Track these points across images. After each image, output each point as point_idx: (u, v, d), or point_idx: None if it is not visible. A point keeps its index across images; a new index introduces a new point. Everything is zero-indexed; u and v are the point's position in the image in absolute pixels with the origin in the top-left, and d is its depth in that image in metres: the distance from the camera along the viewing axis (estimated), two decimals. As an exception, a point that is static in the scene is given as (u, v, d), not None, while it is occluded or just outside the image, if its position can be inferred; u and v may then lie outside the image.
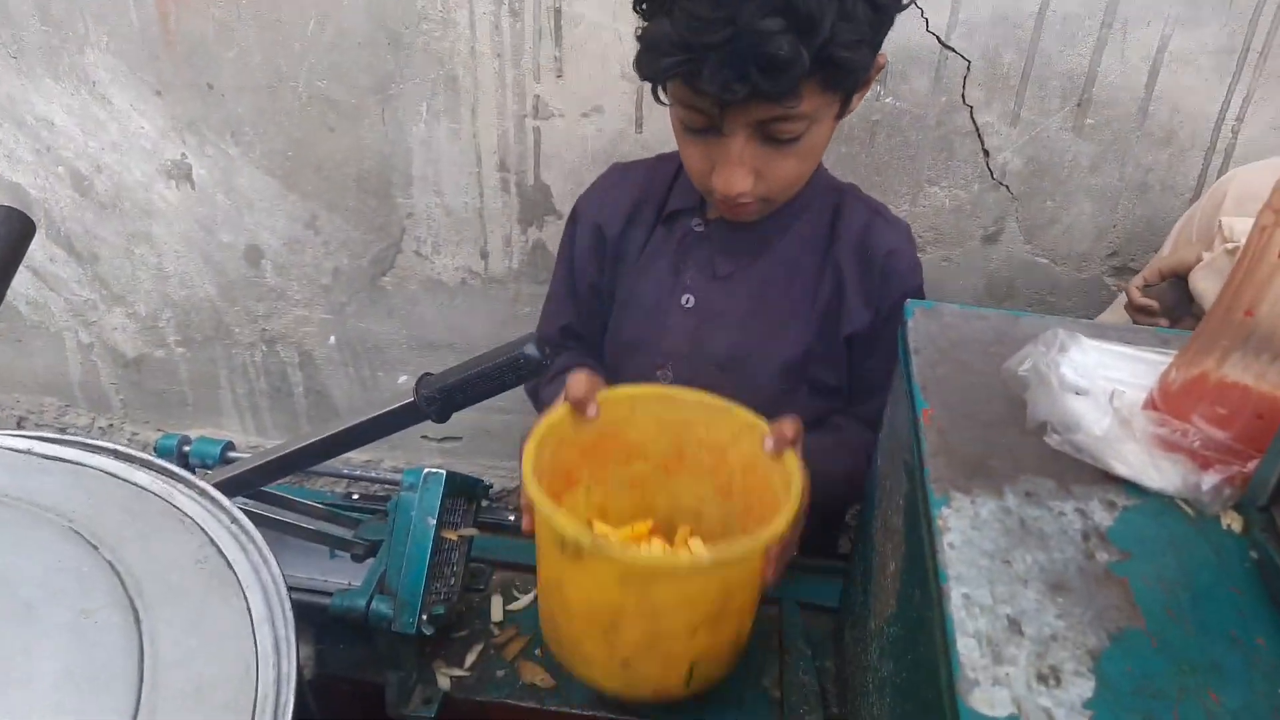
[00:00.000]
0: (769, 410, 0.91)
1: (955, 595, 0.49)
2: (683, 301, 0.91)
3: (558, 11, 1.10)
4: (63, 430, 1.52)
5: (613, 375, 0.95)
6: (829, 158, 1.13)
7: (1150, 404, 0.59)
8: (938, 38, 1.06)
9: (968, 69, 1.08)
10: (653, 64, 0.71)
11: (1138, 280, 0.92)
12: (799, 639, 0.91)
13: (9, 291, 0.73)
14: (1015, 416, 0.62)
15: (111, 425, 1.52)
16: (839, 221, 0.90)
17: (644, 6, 0.72)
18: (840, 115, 0.78)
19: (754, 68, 0.66)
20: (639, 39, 0.72)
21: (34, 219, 1.21)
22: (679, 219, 0.91)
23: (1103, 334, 0.70)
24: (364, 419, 0.73)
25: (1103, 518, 0.54)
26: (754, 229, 0.88)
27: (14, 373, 1.49)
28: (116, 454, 0.67)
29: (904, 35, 1.07)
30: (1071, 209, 1.16)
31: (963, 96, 1.10)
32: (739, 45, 0.66)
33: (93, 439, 0.67)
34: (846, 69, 0.71)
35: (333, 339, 1.38)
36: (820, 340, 0.91)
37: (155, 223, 1.30)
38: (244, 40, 1.15)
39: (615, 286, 0.96)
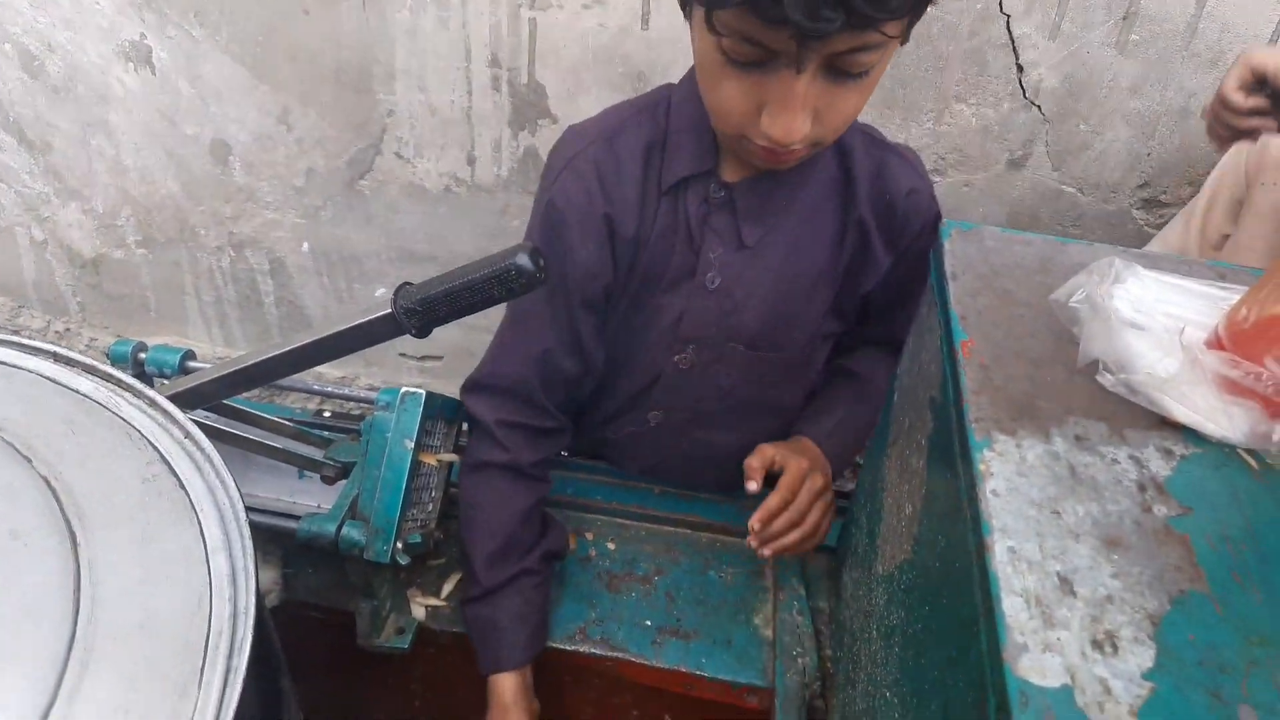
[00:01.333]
0: (789, 374, 0.86)
1: (1000, 549, 0.43)
2: (707, 281, 0.79)
3: (558, -119, 0.99)
4: (16, 332, 1.43)
5: (610, 359, 0.85)
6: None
7: (1215, 343, 0.54)
8: (977, -64, 0.97)
9: (1006, -28, 0.99)
10: None
11: (1232, 81, 0.83)
12: (793, 578, 0.87)
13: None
14: (1065, 354, 0.56)
15: (68, 330, 1.43)
16: (850, 161, 0.78)
17: None
18: (905, 41, 0.65)
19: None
20: None
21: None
22: (689, 186, 0.77)
23: (1158, 265, 0.64)
24: (337, 329, 0.66)
25: (1160, 467, 0.49)
26: (778, 183, 0.76)
27: (-36, 268, 1.40)
28: (56, 356, 0.60)
29: (940, -69, 0.98)
30: (1106, 134, 1.09)
31: (1000, 4, 1.01)
32: None
33: (29, 340, 0.60)
34: None
35: (306, 246, 1.30)
36: (841, 295, 0.83)
37: (112, 110, 1.20)
38: (210, -94, 1.04)
39: (629, 272, 0.81)
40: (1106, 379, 0.53)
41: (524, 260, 0.63)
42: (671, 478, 0.93)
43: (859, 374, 0.89)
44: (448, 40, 1.11)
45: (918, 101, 1.08)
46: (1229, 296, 0.57)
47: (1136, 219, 1.14)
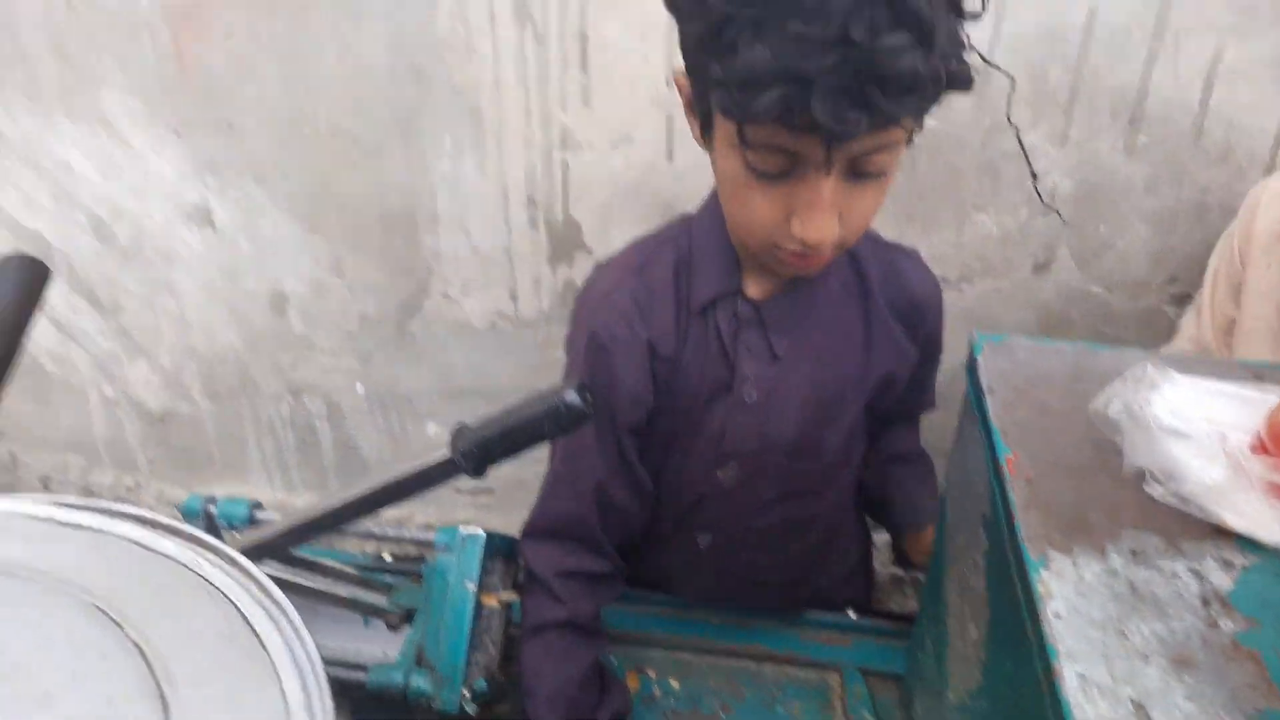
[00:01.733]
0: (828, 481, 0.89)
1: (1069, 675, 0.43)
2: (745, 396, 0.81)
3: (584, 36, 1.07)
4: (88, 490, 1.49)
5: (657, 490, 0.87)
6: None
7: (1259, 447, 0.54)
8: (980, 55, 1.02)
9: (1012, 87, 1.04)
10: (749, 101, 0.58)
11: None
12: (863, 709, 0.85)
13: (31, 345, 0.70)
14: (1108, 463, 0.57)
15: (137, 484, 1.48)
16: (861, 265, 0.82)
17: (728, 36, 0.59)
18: (910, 142, 0.69)
19: (877, 90, 0.56)
20: (712, 68, 0.61)
21: (54, 269, 1.18)
22: (717, 306, 0.80)
23: (1192, 369, 0.65)
24: (398, 476, 0.69)
25: (1221, 579, 0.49)
26: (798, 296, 0.80)
27: (38, 430, 1.46)
28: (140, 520, 0.63)
29: (945, 56, 1.03)
30: (1126, 234, 1.11)
31: (1008, 116, 1.06)
32: (857, 67, 0.55)
33: (115, 504, 0.63)
34: (958, 84, 0.62)
35: (360, 388, 1.35)
36: (875, 393, 0.87)
37: (177, 270, 1.28)
38: (262, 75, 1.13)
39: (671, 392, 0.83)
40: (1155, 489, 0.53)
41: (573, 397, 0.66)
42: (728, 604, 0.93)
43: (911, 453, 0.94)
44: (486, 185, 1.18)
45: (936, 214, 1.12)
46: (1267, 397, 0.57)
47: (1168, 314, 1.15)
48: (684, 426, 0.83)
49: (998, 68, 1.03)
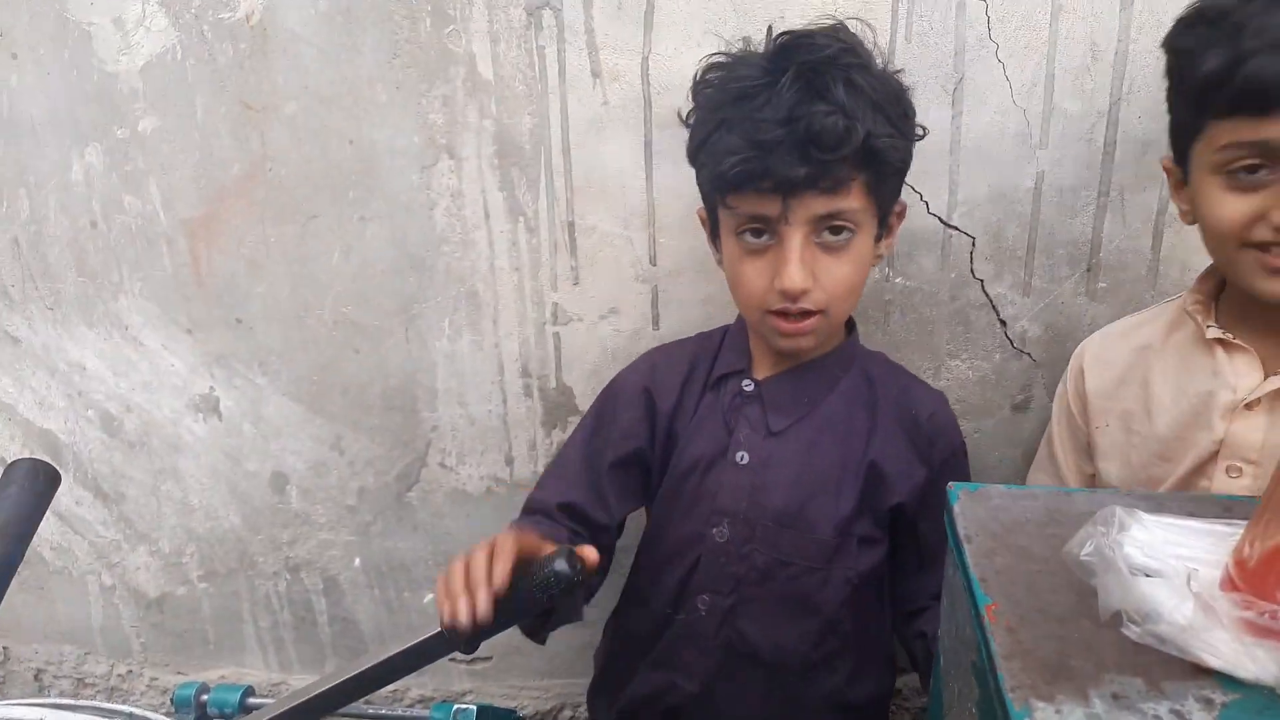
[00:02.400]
0: (822, 562, 0.94)
1: (1060, 827, 0.43)
2: (737, 459, 0.95)
3: (571, 225, 1.15)
4: (81, 681, 1.46)
5: (659, 538, 1.01)
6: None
7: (1228, 583, 0.55)
8: (939, 219, 1.10)
9: (973, 245, 1.11)
10: (718, 169, 0.82)
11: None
12: None
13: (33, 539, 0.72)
14: (1086, 606, 0.58)
15: (130, 672, 1.46)
16: (875, 384, 0.98)
17: (710, 138, 0.84)
18: (878, 240, 0.90)
19: (813, 148, 0.78)
20: (702, 163, 0.87)
21: (62, 464, 1.23)
22: (727, 381, 0.98)
23: (1161, 506, 0.67)
24: (390, 654, 0.69)
25: (1202, 719, 0.49)
26: (801, 386, 0.95)
27: (35, 622, 1.45)
28: (131, 717, 0.63)
29: (907, 219, 1.10)
30: (1098, 371, 1.15)
31: (972, 271, 1.12)
32: (799, 133, 0.78)
33: (109, 703, 0.63)
34: (888, 162, 0.84)
35: (358, 561, 1.35)
36: (866, 498, 0.95)
37: (182, 457, 1.31)
38: (272, 275, 1.20)
39: (663, 465, 0.99)
40: (1133, 630, 0.54)
41: (562, 566, 0.68)
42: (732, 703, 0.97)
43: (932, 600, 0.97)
44: (483, 359, 1.23)
45: (914, 361, 1.16)
46: (1235, 531, 0.59)
47: (1151, 445, 1.17)
48: (687, 488, 0.97)
49: (956, 228, 1.10)
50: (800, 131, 0.78)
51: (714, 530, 0.95)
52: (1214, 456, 0.86)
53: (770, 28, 0.91)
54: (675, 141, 1.08)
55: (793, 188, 0.80)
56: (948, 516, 0.70)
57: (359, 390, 1.25)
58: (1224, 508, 0.67)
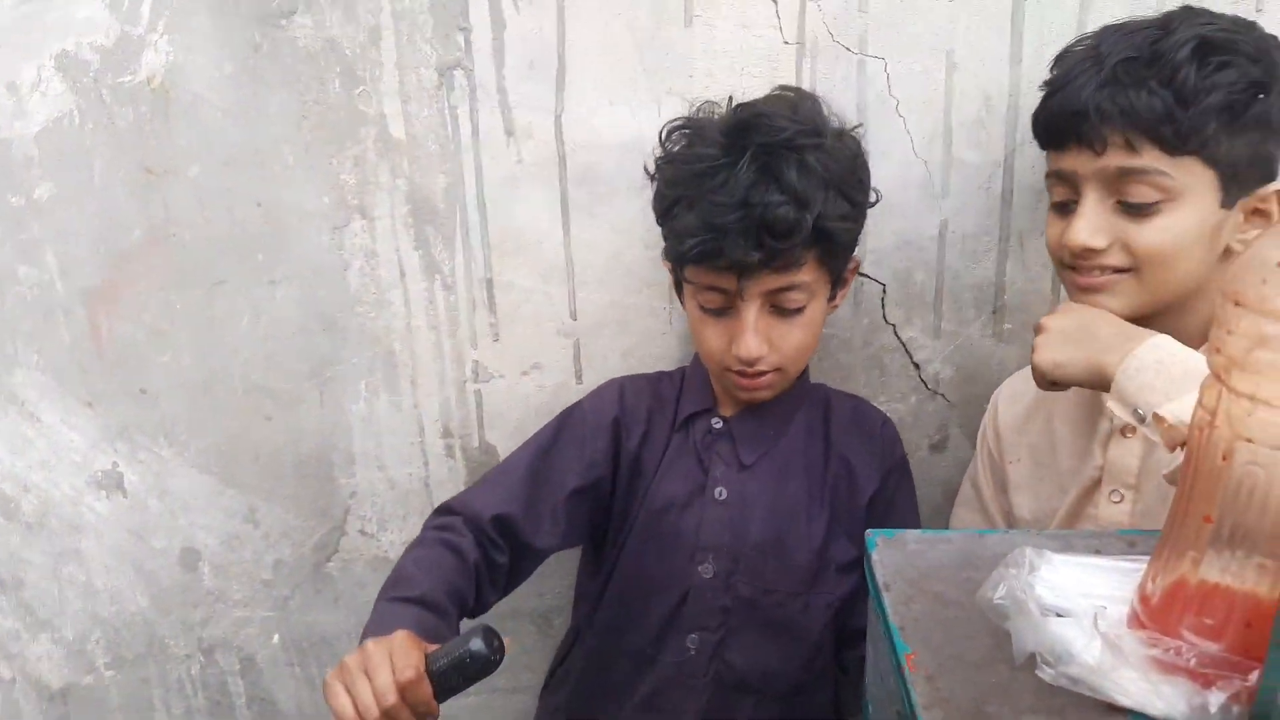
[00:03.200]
0: (803, 588, 0.98)
1: None
2: (716, 495, 0.99)
3: (489, 282, 1.14)
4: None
5: (637, 578, 1.02)
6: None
7: (1135, 620, 0.56)
8: (850, 267, 1.12)
9: (884, 291, 1.13)
10: (680, 247, 0.88)
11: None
12: None
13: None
14: (1003, 650, 0.58)
15: (31, 768, 1.37)
16: (830, 411, 1.04)
17: (672, 212, 0.90)
18: (831, 299, 0.97)
19: (766, 235, 0.83)
20: (664, 233, 0.93)
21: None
22: (695, 421, 1.02)
23: (1069, 545, 0.68)
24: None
25: (1120, 759, 0.49)
26: (765, 421, 1.01)
27: (-77, 719, 1.35)
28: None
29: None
30: (1009, 410, 1.18)
31: (884, 316, 1.14)
32: (752, 219, 0.83)
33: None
34: (838, 241, 0.89)
35: (276, 638, 1.29)
36: (839, 517, 1.01)
37: (85, 538, 1.25)
38: (177, 343, 1.16)
39: (628, 499, 1.01)
40: (1046, 673, 0.55)
41: (478, 645, 0.66)
42: None
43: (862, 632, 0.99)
44: (402, 420, 1.20)
45: (835, 407, 1.18)
46: (1139, 567, 0.60)
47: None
48: (665, 526, 1.00)
49: (867, 275, 1.13)
50: (755, 218, 0.83)
51: (700, 567, 0.98)
52: (1097, 484, 0.90)
53: (730, 98, 0.97)
54: (591, 197, 1.10)
55: (746, 269, 0.86)
56: (867, 564, 0.70)
57: (271, 458, 1.21)
58: (1128, 543, 0.69)
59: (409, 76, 1.07)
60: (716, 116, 0.95)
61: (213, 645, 1.29)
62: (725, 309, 0.92)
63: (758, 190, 0.83)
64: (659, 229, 0.99)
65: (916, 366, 1.16)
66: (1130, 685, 0.51)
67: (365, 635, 0.80)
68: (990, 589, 0.61)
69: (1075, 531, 0.85)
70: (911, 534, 0.72)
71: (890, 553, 0.70)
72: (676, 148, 0.94)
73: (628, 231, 1.12)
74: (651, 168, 0.99)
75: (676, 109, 1.07)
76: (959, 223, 1.11)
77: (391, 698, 0.68)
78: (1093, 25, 1.04)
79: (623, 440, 1.02)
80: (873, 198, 0.98)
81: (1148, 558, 0.58)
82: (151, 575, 1.26)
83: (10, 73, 1.08)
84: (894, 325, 1.15)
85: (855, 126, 0.99)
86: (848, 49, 1.06)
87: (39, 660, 1.31)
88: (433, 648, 0.74)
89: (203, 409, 1.18)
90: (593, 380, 1.17)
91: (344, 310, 1.15)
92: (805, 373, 1.06)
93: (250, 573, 1.26)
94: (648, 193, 1.09)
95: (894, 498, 1.04)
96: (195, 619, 1.28)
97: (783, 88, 0.98)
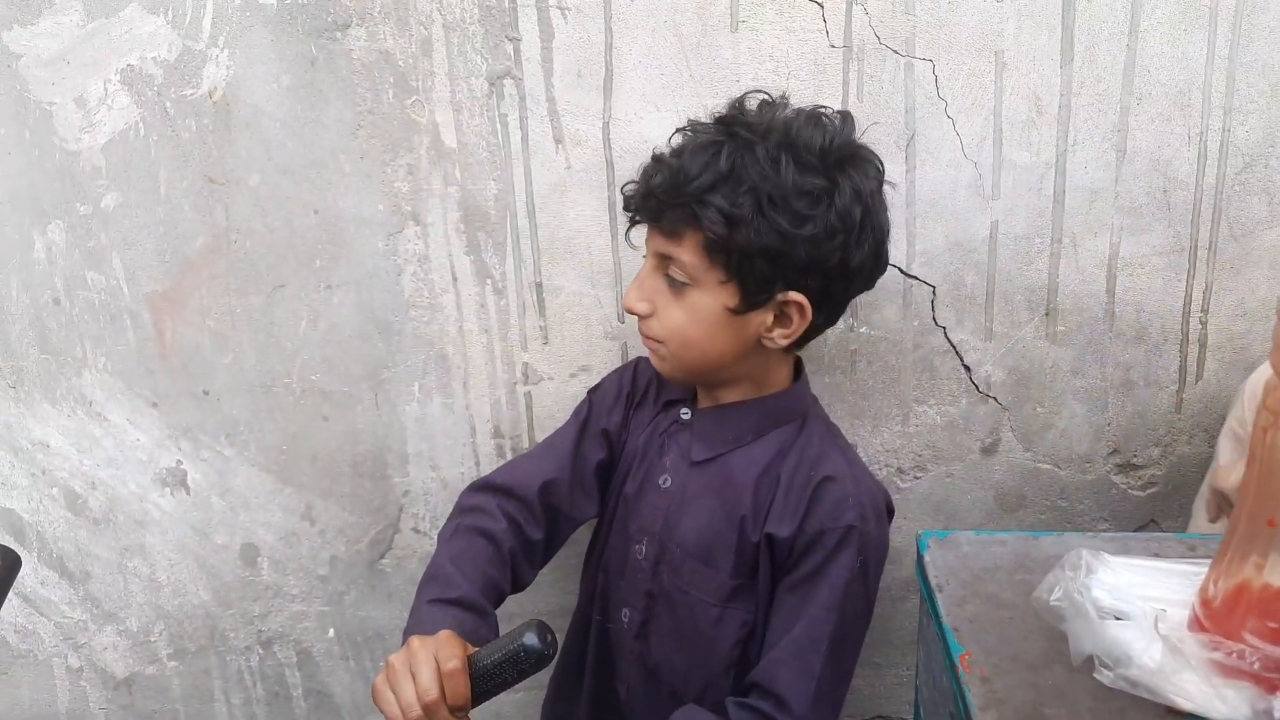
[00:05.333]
0: (720, 601, 0.96)
1: None
2: (660, 481, 1.01)
3: (539, 285, 1.16)
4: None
5: (597, 545, 1.08)
6: (814, 388, 1.15)
7: (1196, 623, 0.56)
8: (899, 269, 1.12)
9: (934, 294, 1.13)
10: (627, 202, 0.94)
11: (1211, 511, 0.99)
12: None
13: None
14: (1059, 652, 0.58)
15: (98, 755, 1.41)
16: (800, 439, 0.98)
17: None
18: (739, 312, 0.89)
19: (658, 188, 0.88)
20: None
21: (25, 545, 1.20)
22: (672, 408, 1.04)
23: (1126, 548, 0.68)
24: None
25: (1180, 763, 0.49)
26: (728, 425, 0.99)
27: (-2, 707, 1.41)
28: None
29: (866, 270, 1.12)
30: (1063, 412, 1.17)
31: (934, 319, 1.14)
32: (658, 170, 0.89)
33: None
34: (732, 242, 0.84)
35: (332, 631, 1.32)
36: (753, 550, 0.95)
37: (149, 533, 1.29)
38: (238, 345, 1.19)
39: (616, 472, 1.06)
40: (1105, 675, 0.54)
41: (531, 640, 0.67)
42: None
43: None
44: (454, 421, 1.23)
45: (882, 409, 1.18)
46: (1200, 570, 0.60)
47: (1117, 484, 1.19)
48: (624, 502, 1.04)
49: (916, 277, 1.12)
50: (660, 169, 0.89)
51: (636, 546, 1.01)
52: None
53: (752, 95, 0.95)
54: (638, 202, 1.11)
55: (639, 211, 0.92)
56: (918, 566, 0.70)
57: (329, 458, 1.24)
58: (1188, 547, 0.68)
59: (460, 86, 1.09)
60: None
61: (271, 638, 1.33)
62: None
63: (686, 155, 0.87)
64: None
65: (967, 369, 1.16)
66: (1192, 689, 0.50)
67: (407, 636, 0.82)
68: (1046, 591, 0.61)
69: (1133, 535, 0.84)
70: (965, 535, 0.72)
71: (943, 554, 0.70)
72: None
73: (675, 235, 1.13)
74: None
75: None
76: (1010, 224, 1.11)
77: (434, 693, 0.70)
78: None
79: (628, 410, 1.08)
80: (833, 258, 0.87)
81: (1208, 561, 0.58)
82: (213, 570, 1.30)
83: (79, 88, 1.12)
84: (944, 328, 1.14)
85: (882, 179, 0.94)
86: (895, 51, 1.06)
87: (105, 650, 1.36)
88: (474, 648, 0.76)
89: (262, 410, 1.22)
90: (640, 382, 1.18)
91: (398, 314, 1.18)
92: (799, 384, 1.00)
93: (307, 568, 1.29)
94: (695, 196, 1.11)
95: (798, 566, 0.92)
96: (254, 612, 1.32)
97: (839, 111, 0.92)
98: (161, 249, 1.16)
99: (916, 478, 1.21)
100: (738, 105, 0.93)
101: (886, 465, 1.20)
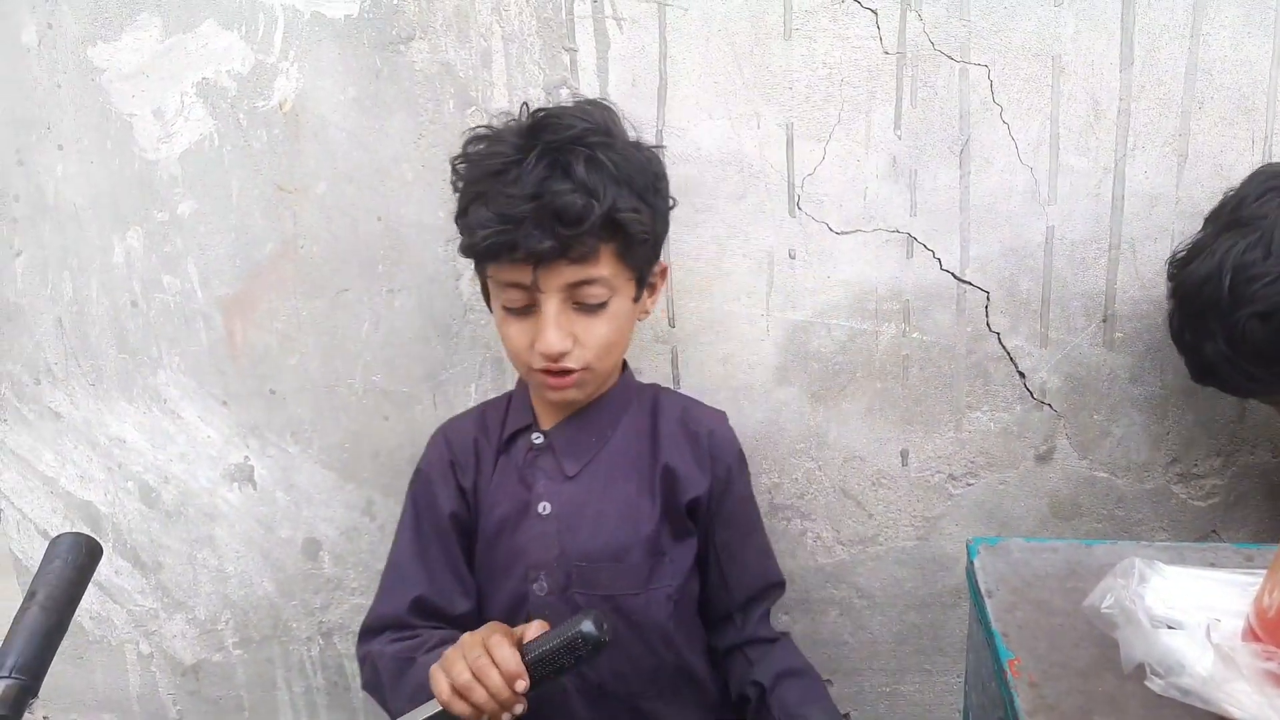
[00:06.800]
0: (640, 586, 0.98)
1: None
2: (539, 510, 0.99)
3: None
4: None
5: (485, 607, 1.02)
6: (866, 393, 1.15)
7: (1250, 633, 0.56)
8: (953, 274, 1.12)
9: (987, 299, 1.12)
10: (473, 240, 0.88)
11: None
12: None
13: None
14: (1109, 659, 0.58)
15: (167, 739, 1.47)
16: (659, 413, 1.04)
17: (469, 210, 0.90)
18: (638, 300, 0.97)
19: (558, 224, 0.84)
20: (460, 231, 0.92)
21: (102, 535, 1.25)
22: (517, 440, 1.02)
23: (1182, 557, 0.67)
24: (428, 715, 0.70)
25: (1231, 772, 0.49)
26: (587, 428, 1.01)
27: (73, 691, 1.47)
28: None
29: (919, 275, 1.12)
30: (1120, 420, 1.15)
31: (987, 324, 1.13)
32: (544, 210, 0.84)
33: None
34: (633, 236, 0.89)
35: (390, 626, 1.36)
36: (666, 509, 1.00)
37: (218, 526, 1.34)
38: (304, 347, 1.24)
39: (476, 522, 1.02)
40: (1156, 684, 0.55)
41: (588, 627, 0.69)
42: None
43: (794, 669, 1.01)
44: (507, 422, 1.25)
45: (934, 414, 1.17)
46: (1255, 581, 0.59)
47: (1177, 494, 1.17)
48: (499, 551, 1.00)
49: (969, 283, 1.12)
50: (545, 208, 0.84)
51: (534, 586, 0.98)
52: None
53: (524, 105, 0.96)
54: (691, 208, 1.12)
55: (541, 259, 0.86)
56: (968, 571, 0.71)
57: (389, 456, 1.28)
58: (1245, 557, 0.67)
59: (517, 96, 1.12)
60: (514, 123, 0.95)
61: (331, 629, 1.37)
62: (528, 307, 0.91)
63: (548, 183, 0.85)
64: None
65: (1021, 375, 1.15)
66: (1244, 698, 0.50)
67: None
68: (1098, 598, 0.61)
69: (1189, 544, 0.83)
70: (1016, 542, 0.72)
71: (992, 560, 0.70)
72: (475, 150, 0.93)
73: (727, 240, 1.14)
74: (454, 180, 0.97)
75: (776, 121, 1.09)
76: (1066, 230, 1.10)
77: (494, 678, 0.72)
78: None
79: (460, 480, 1.02)
80: (671, 203, 0.97)
81: (1264, 571, 0.58)
82: (277, 562, 1.35)
83: (157, 100, 1.18)
84: (998, 333, 1.14)
85: (655, 146, 1.00)
86: (950, 57, 1.06)
87: (174, 638, 1.42)
88: (529, 637, 0.77)
89: (326, 409, 1.26)
90: (690, 387, 1.20)
91: (456, 318, 1.21)
92: (627, 374, 1.06)
93: (366, 563, 1.33)
94: (746, 203, 1.12)
95: (721, 505, 1.02)
96: (316, 604, 1.36)
97: (586, 100, 0.98)
98: (233, 254, 1.22)
99: (969, 484, 1.20)
100: (515, 123, 0.93)
101: (938, 472, 1.20)
